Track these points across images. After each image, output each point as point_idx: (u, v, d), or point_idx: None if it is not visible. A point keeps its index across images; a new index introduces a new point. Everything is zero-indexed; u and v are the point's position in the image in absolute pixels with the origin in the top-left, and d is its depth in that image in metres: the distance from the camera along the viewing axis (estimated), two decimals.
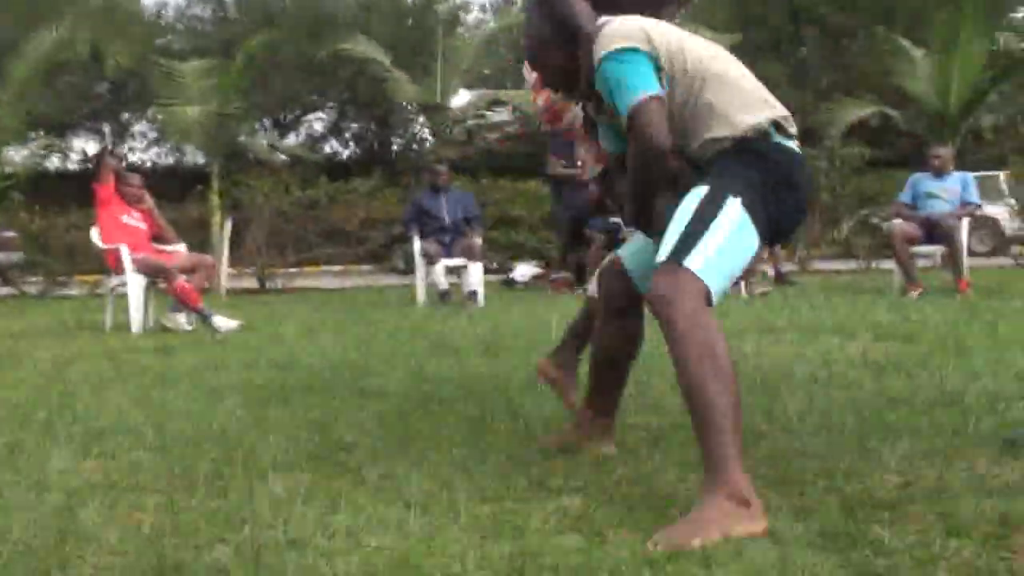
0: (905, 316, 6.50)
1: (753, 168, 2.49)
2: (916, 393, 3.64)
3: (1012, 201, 17.40)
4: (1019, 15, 27.06)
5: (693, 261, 2.34)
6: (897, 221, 8.93)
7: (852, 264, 13.57)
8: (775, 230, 2.53)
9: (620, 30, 2.56)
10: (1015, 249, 15.45)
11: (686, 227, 2.39)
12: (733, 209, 2.41)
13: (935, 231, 8.74)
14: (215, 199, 13.37)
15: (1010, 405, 3.41)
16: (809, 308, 7.18)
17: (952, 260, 8.73)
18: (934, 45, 15.30)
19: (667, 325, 2.32)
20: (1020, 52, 24.95)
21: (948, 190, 8.87)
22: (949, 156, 9.10)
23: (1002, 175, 18.92)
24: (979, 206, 9.12)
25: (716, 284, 2.38)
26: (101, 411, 3.81)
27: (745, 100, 2.58)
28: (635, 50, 2.51)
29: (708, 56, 2.63)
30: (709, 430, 2.25)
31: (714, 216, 2.39)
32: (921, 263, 9.66)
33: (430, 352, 5.33)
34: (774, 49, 24.30)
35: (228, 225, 12.58)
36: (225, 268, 12.24)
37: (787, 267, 12.63)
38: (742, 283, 9.01)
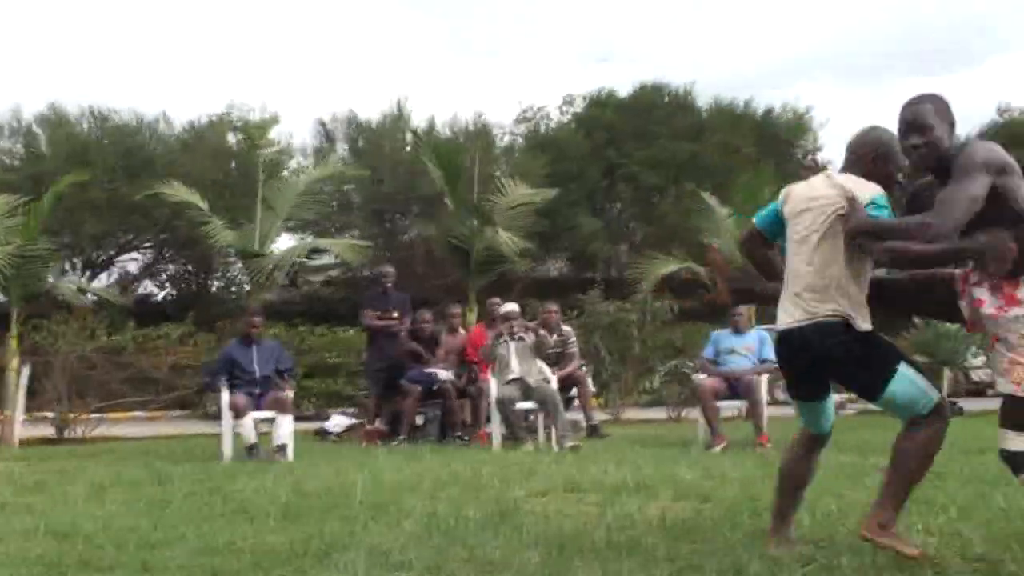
0: (706, 472, 6.65)
1: None
2: (706, 560, 3.69)
3: None
4: None
5: None
6: (702, 376, 9.25)
7: (663, 413, 13.93)
8: None
9: None
10: None
11: None
12: None
13: (737, 386, 9.08)
14: (13, 344, 12.70)
15: (792, 572, 3.50)
16: (616, 464, 7.26)
17: (753, 415, 9.05)
18: (736, 204, 16.21)
19: None
20: None
21: (747, 347, 9.26)
22: (748, 315, 9.53)
23: None
24: (775, 363, 9.51)
25: None
26: None
27: None
28: None
29: None
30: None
31: None
32: (726, 414, 9.99)
33: (226, 517, 5.12)
34: (591, 204, 25.21)
35: (25, 371, 11.94)
36: (19, 417, 11.57)
37: (600, 417, 12.86)
38: (553, 437, 9.10)
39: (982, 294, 3.64)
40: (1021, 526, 4.32)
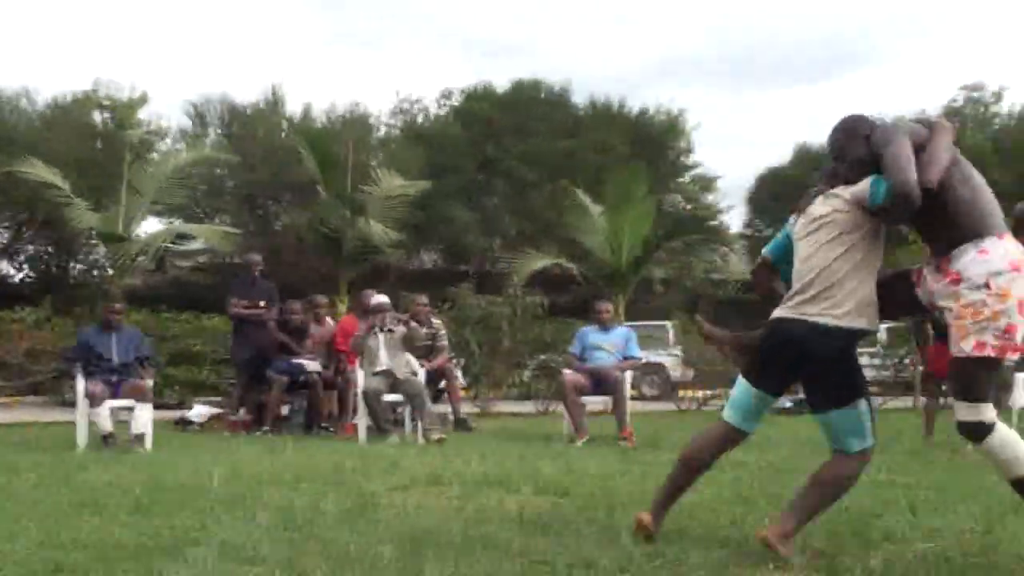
0: (567, 467, 6.74)
1: None
2: (558, 555, 3.74)
3: (678, 350, 18.71)
4: (686, 180, 29.71)
5: None
6: (568, 372, 9.36)
7: (532, 407, 14.05)
8: None
9: None
10: (680, 394, 16.56)
11: None
12: None
13: (602, 382, 9.21)
14: None
15: (641, 567, 3.57)
16: (479, 458, 7.29)
17: (617, 410, 9.19)
18: (608, 202, 16.47)
19: None
20: (687, 213, 27.37)
21: (613, 344, 9.41)
22: (613, 311, 9.68)
23: (670, 325, 20.40)
24: (640, 360, 9.72)
25: None
26: None
27: None
28: None
29: None
30: None
31: None
32: (594, 408, 10.14)
33: (73, 509, 4.96)
34: (466, 197, 25.26)
35: None
36: None
37: (469, 410, 12.89)
38: (420, 429, 9.09)
39: (932, 276, 3.78)
40: (859, 523, 4.48)
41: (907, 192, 3.59)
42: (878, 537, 4.17)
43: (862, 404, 3.91)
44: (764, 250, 4.40)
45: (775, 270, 4.29)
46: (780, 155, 43.18)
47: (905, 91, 62.70)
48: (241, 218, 23.76)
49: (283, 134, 23.68)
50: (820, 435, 8.63)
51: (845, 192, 3.91)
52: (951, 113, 33.59)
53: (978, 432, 3.64)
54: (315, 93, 54.45)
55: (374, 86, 54.86)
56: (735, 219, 31.13)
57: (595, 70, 50.68)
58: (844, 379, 3.92)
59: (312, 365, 10.40)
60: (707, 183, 30.73)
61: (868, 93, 62.26)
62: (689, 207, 28.97)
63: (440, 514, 4.78)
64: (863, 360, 14.67)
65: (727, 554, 3.79)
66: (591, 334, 9.55)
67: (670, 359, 19.09)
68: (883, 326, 21.27)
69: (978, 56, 58.76)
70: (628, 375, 9.39)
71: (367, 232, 15.10)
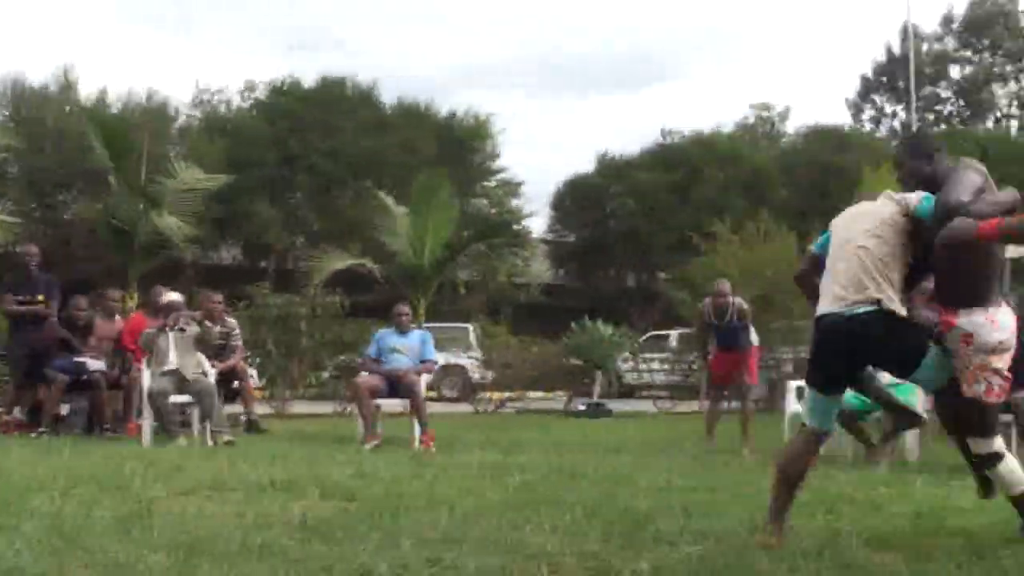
0: (358, 471, 6.68)
1: None
2: (337, 562, 3.71)
3: (478, 353, 18.89)
4: (492, 183, 30.06)
5: None
6: (363, 374, 9.30)
7: (330, 408, 13.90)
8: None
9: None
10: (480, 396, 16.73)
11: None
12: None
13: (398, 385, 9.19)
14: None
15: (419, 573, 3.59)
16: (268, 461, 7.15)
17: (416, 414, 9.18)
18: (413, 204, 16.46)
19: None
20: (492, 216, 27.68)
21: (409, 346, 9.40)
22: (412, 314, 9.69)
23: (471, 327, 20.59)
24: (435, 363, 9.75)
25: None
26: None
27: None
28: None
29: None
30: None
31: None
32: (390, 410, 10.12)
33: None
34: (269, 192, 24.75)
35: None
36: None
37: (264, 411, 12.64)
38: (208, 431, 8.85)
39: (927, 309, 4.39)
40: (634, 524, 4.63)
41: (955, 210, 4.00)
42: (650, 539, 4.31)
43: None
44: (814, 248, 4.67)
45: (820, 269, 4.55)
46: (584, 163, 44.25)
47: (703, 106, 65.45)
48: (26, 206, 22.53)
49: (75, 119, 22.59)
50: (611, 439, 8.90)
51: (897, 195, 4.31)
52: (743, 130, 35.28)
53: (991, 462, 4.24)
54: (111, 77, 52.23)
55: (176, 73, 53.10)
56: (538, 224, 31.70)
57: (404, 70, 50.76)
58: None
59: (95, 364, 9.94)
60: (512, 188, 31.16)
61: (670, 106, 64.73)
62: (494, 211, 29.31)
63: (220, 520, 4.66)
64: (654, 365, 15.23)
65: (505, 559, 3.84)
66: (388, 336, 9.51)
67: (470, 361, 19.26)
68: (674, 332, 22.15)
69: (769, 77, 61.98)
70: (424, 378, 9.41)
71: (161, 225, 14.57)
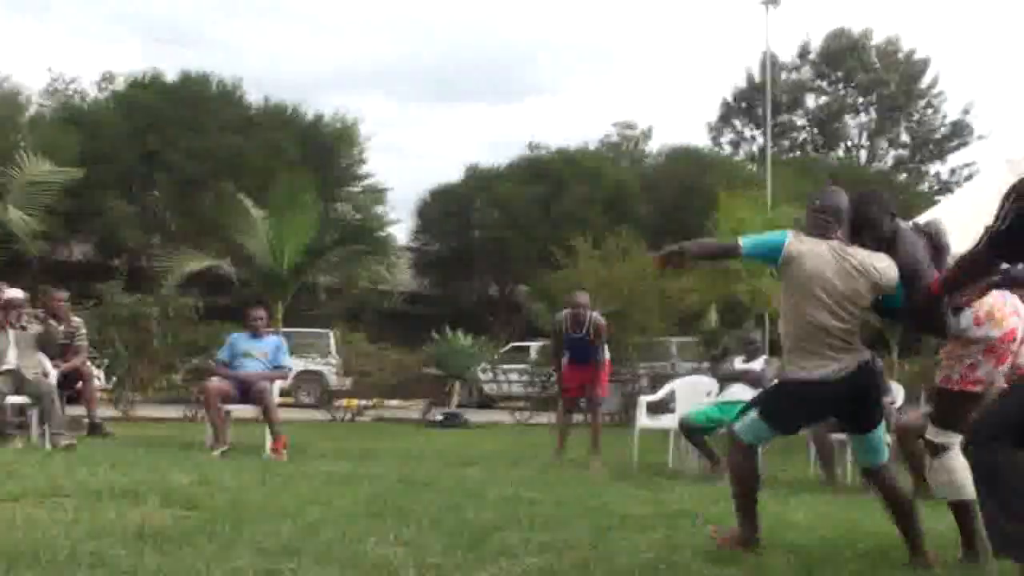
0: (203, 478, 6.53)
1: None
2: (169, 574, 3.62)
3: (336, 359, 18.70)
4: (357, 189, 29.82)
5: None
6: (214, 379, 9.10)
7: (180, 412, 13.56)
8: None
9: None
10: (337, 403, 16.54)
11: None
12: None
13: (250, 391, 9.01)
14: None
15: None
16: (110, 466, 6.92)
17: (267, 420, 9.00)
18: (274, 206, 16.20)
19: None
20: (356, 222, 27.42)
21: (262, 351, 9.23)
22: (267, 318, 9.52)
23: (331, 333, 20.36)
24: (288, 369, 9.59)
25: None
26: None
27: None
28: None
29: None
30: None
31: None
32: (242, 416, 9.93)
33: None
34: (124, 189, 24.01)
35: None
36: None
37: (111, 414, 12.25)
38: (47, 434, 8.52)
39: None
40: (479, 537, 4.64)
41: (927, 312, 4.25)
42: (494, 551, 4.34)
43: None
44: (743, 243, 4.68)
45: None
46: (451, 172, 44.34)
47: (571, 122, 66.32)
48: None
49: None
50: (465, 450, 8.91)
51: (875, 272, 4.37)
52: (607, 147, 35.90)
53: (934, 449, 4.47)
54: None
55: (29, 60, 51.08)
56: (403, 232, 31.57)
57: (271, 70, 49.92)
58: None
59: None
60: (378, 194, 30.95)
61: (537, 120, 65.41)
62: (358, 217, 29.06)
63: (50, 528, 4.47)
64: (513, 376, 15.32)
65: (345, 571, 3.81)
66: (241, 340, 9.32)
67: (328, 368, 19.04)
68: (534, 344, 22.37)
69: (636, 96, 63.22)
70: (277, 384, 9.25)
71: (5, 219, 13.97)
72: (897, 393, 8.69)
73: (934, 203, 24.50)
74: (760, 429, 4.55)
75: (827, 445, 8.22)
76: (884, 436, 4.60)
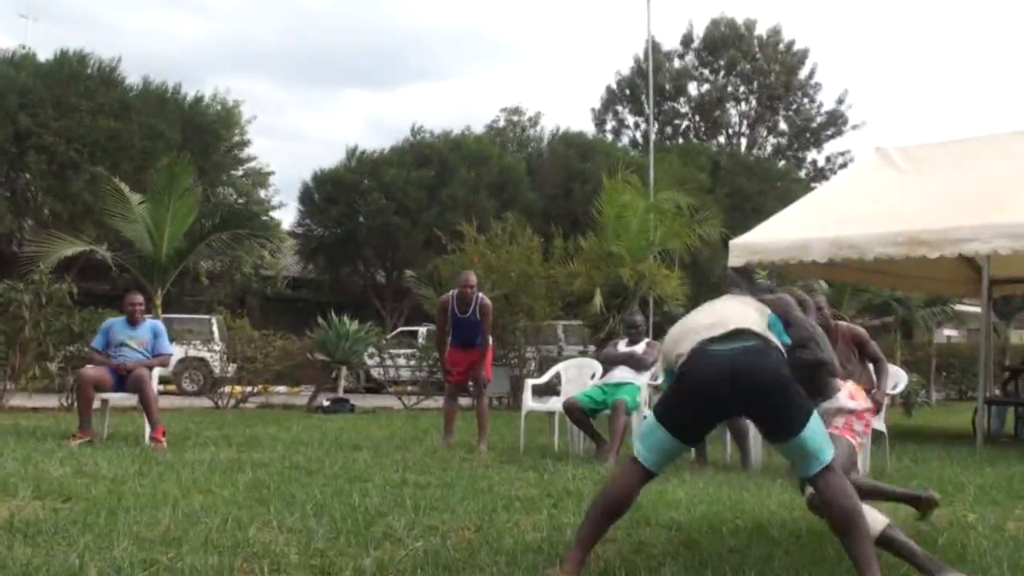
0: (79, 469, 6.37)
1: None
2: (42, 566, 3.50)
3: (220, 345, 18.33)
4: (239, 173, 29.29)
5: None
6: (89, 367, 8.83)
7: (56, 401, 13.16)
8: None
9: None
10: (221, 390, 16.24)
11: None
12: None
13: (127, 379, 8.77)
14: None
15: (134, 573, 3.44)
16: None
17: (145, 409, 8.78)
18: (153, 190, 15.80)
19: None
20: (238, 206, 26.95)
21: (140, 341, 8.99)
22: (143, 304, 9.26)
23: (214, 319, 19.96)
24: (168, 355, 9.35)
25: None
26: None
27: None
28: None
29: None
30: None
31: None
32: (119, 404, 9.70)
33: None
34: None
35: None
36: None
37: None
38: None
39: None
40: (364, 522, 4.63)
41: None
42: (378, 535, 4.32)
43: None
44: None
45: None
46: (336, 157, 43.84)
47: (458, 107, 66.24)
48: None
49: None
50: (353, 435, 8.85)
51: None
52: (494, 133, 35.98)
53: None
54: None
55: None
56: (287, 216, 31.10)
57: (150, 51, 48.57)
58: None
59: None
60: (261, 178, 30.47)
61: (423, 106, 65.15)
62: (241, 201, 28.54)
63: None
64: (400, 361, 15.24)
65: (226, 559, 3.75)
66: (117, 327, 9.06)
67: (212, 354, 18.67)
68: (422, 328, 22.33)
69: (523, 81, 63.47)
70: (156, 372, 9.03)
71: None
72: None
73: (810, 189, 25.31)
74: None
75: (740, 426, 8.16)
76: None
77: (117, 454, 7.41)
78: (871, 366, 7.54)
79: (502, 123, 38.65)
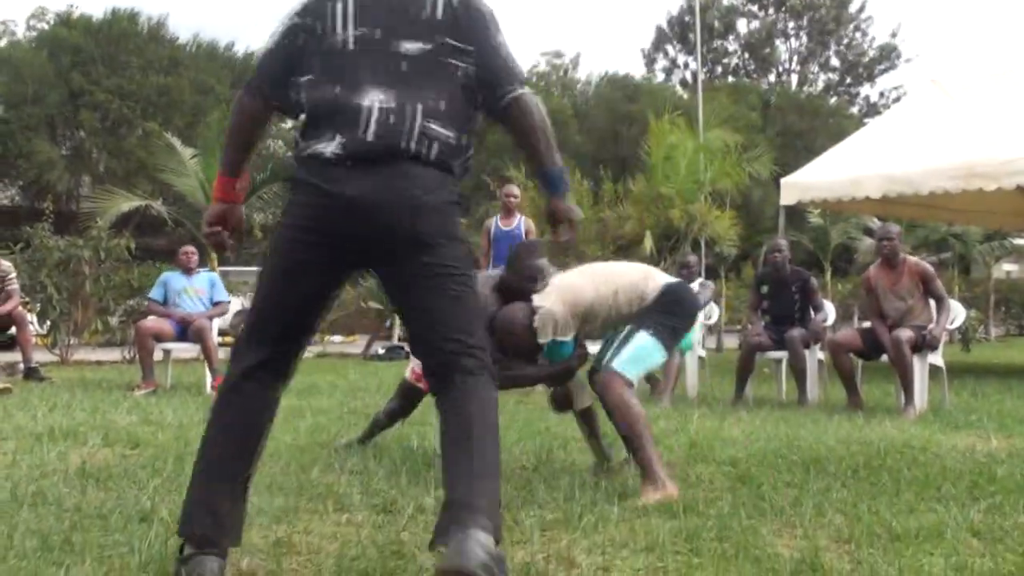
0: (144, 417, 6.53)
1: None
2: (115, 510, 3.61)
3: None
4: (286, 125, 29.38)
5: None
6: (151, 319, 9.00)
7: (118, 354, 13.43)
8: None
9: None
10: None
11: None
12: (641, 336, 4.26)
13: (188, 329, 8.94)
14: None
15: None
16: (48, 409, 6.87)
17: (206, 358, 8.96)
18: (204, 144, 15.95)
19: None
20: (286, 158, 27.07)
21: (197, 289, 9.15)
22: (196, 254, 9.41)
23: None
24: (227, 303, 9.51)
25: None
26: None
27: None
28: None
29: None
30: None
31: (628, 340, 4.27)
32: (182, 356, 9.89)
33: None
34: (51, 130, 23.43)
35: None
36: None
37: (47, 359, 12.10)
38: None
39: None
40: (424, 464, 4.70)
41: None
42: (439, 476, 4.37)
43: None
44: None
45: None
46: None
47: None
48: None
49: None
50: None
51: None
52: (538, 78, 35.70)
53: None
54: None
55: None
56: None
57: (199, 5, 48.68)
58: None
59: None
60: None
61: None
62: (290, 152, 28.69)
63: None
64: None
65: (291, 500, 3.84)
66: (175, 278, 9.23)
67: None
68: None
69: (562, 24, 62.76)
70: (216, 322, 9.19)
71: None
72: (830, 312, 8.85)
73: (863, 126, 24.89)
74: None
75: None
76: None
77: (181, 403, 7.58)
78: (932, 303, 7.47)
79: (542, 67, 38.36)
